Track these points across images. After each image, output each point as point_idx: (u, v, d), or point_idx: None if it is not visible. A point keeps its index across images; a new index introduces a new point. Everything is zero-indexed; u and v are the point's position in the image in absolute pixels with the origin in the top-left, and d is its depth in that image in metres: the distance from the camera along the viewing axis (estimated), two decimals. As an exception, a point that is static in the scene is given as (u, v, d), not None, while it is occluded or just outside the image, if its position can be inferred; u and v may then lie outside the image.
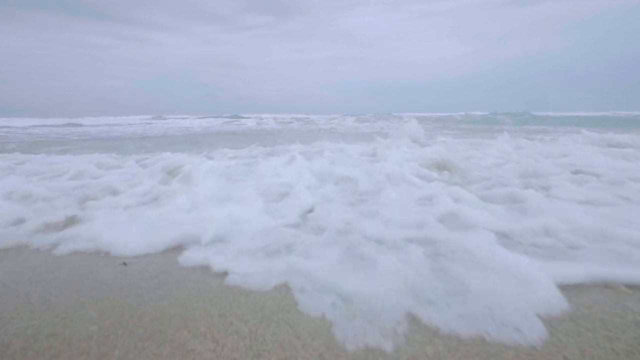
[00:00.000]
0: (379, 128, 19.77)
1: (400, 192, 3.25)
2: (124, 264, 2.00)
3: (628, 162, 4.49)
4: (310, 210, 2.80)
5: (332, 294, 1.54)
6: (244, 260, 1.94)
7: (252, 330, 1.32)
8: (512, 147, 5.83)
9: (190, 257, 2.04)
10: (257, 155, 5.60)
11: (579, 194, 3.08)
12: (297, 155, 4.98)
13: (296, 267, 1.79)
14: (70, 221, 2.68)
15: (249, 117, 33.68)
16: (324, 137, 11.58)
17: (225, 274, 1.80)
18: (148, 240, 2.25)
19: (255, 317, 1.41)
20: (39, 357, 1.20)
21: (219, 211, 2.57)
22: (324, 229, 2.31)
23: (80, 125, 25.95)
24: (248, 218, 2.54)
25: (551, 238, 2.12)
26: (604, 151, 5.36)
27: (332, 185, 3.64)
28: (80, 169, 4.52)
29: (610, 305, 1.44)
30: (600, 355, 1.16)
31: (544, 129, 16.62)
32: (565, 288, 1.51)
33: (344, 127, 21.54)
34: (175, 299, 1.56)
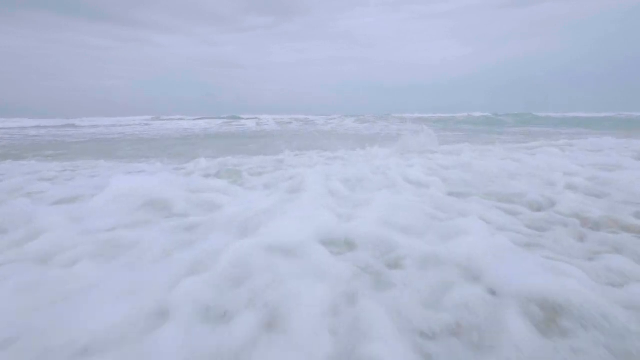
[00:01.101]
0: (380, 130, 19.53)
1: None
2: None
3: None
4: None
5: None
6: None
7: None
8: (572, 162, 4.38)
9: None
10: (234, 178, 3.91)
11: None
12: (288, 182, 3.42)
13: None
14: None
15: (248, 118, 33.43)
16: (323, 140, 11.37)
17: None
18: None
19: None
20: None
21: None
22: None
23: (79, 126, 25.70)
24: None
25: None
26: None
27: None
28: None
29: None
30: None
31: (551, 132, 16.43)
32: None
33: (343, 128, 21.29)
34: None
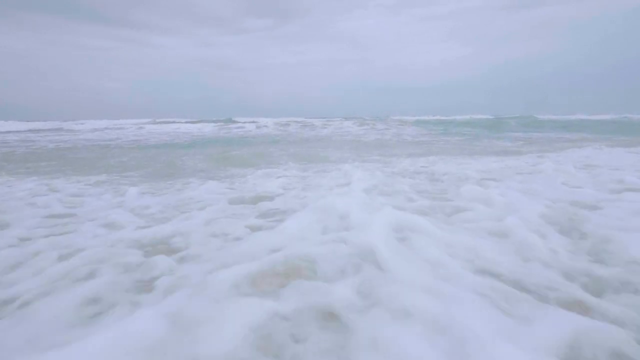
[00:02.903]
0: (380, 133, 19.21)
1: None
2: None
3: None
4: None
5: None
6: None
7: None
8: None
9: None
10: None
11: None
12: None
13: None
14: None
15: (245, 122, 33.04)
16: (319, 147, 10.99)
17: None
18: None
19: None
20: None
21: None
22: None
23: (75, 130, 25.33)
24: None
25: None
26: None
27: None
28: None
29: None
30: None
31: (554, 137, 16.07)
32: None
33: (342, 131, 20.97)
34: None
